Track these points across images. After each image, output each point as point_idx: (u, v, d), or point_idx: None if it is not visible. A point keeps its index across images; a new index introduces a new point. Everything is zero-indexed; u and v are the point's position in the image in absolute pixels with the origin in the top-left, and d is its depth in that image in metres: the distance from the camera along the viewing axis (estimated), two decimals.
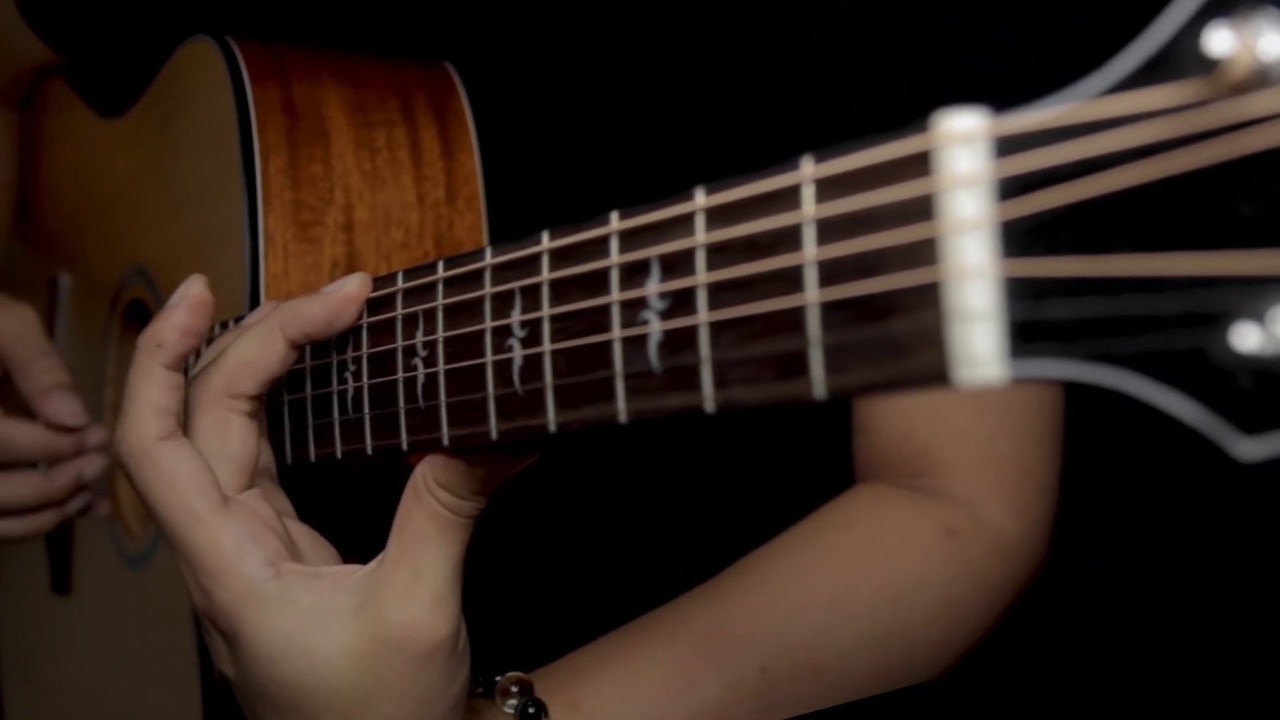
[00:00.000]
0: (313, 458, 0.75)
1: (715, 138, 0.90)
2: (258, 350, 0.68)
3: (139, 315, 1.06)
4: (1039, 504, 0.88)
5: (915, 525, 0.85)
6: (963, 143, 0.39)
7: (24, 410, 1.06)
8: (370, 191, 0.89)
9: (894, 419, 0.88)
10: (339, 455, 0.72)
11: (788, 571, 0.83)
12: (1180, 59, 0.35)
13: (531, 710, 0.72)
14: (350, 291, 0.67)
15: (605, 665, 0.78)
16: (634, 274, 0.51)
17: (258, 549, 0.64)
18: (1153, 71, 0.36)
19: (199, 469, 0.66)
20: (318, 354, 0.74)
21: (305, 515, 0.73)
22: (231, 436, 0.68)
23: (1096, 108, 0.37)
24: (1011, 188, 0.38)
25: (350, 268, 0.88)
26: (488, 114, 0.94)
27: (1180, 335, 0.35)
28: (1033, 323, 0.38)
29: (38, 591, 1.21)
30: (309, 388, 0.75)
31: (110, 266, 1.08)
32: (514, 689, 0.73)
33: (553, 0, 0.94)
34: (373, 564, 0.65)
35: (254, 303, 0.85)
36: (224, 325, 0.86)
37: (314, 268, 0.87)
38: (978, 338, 0.39)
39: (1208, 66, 0.34)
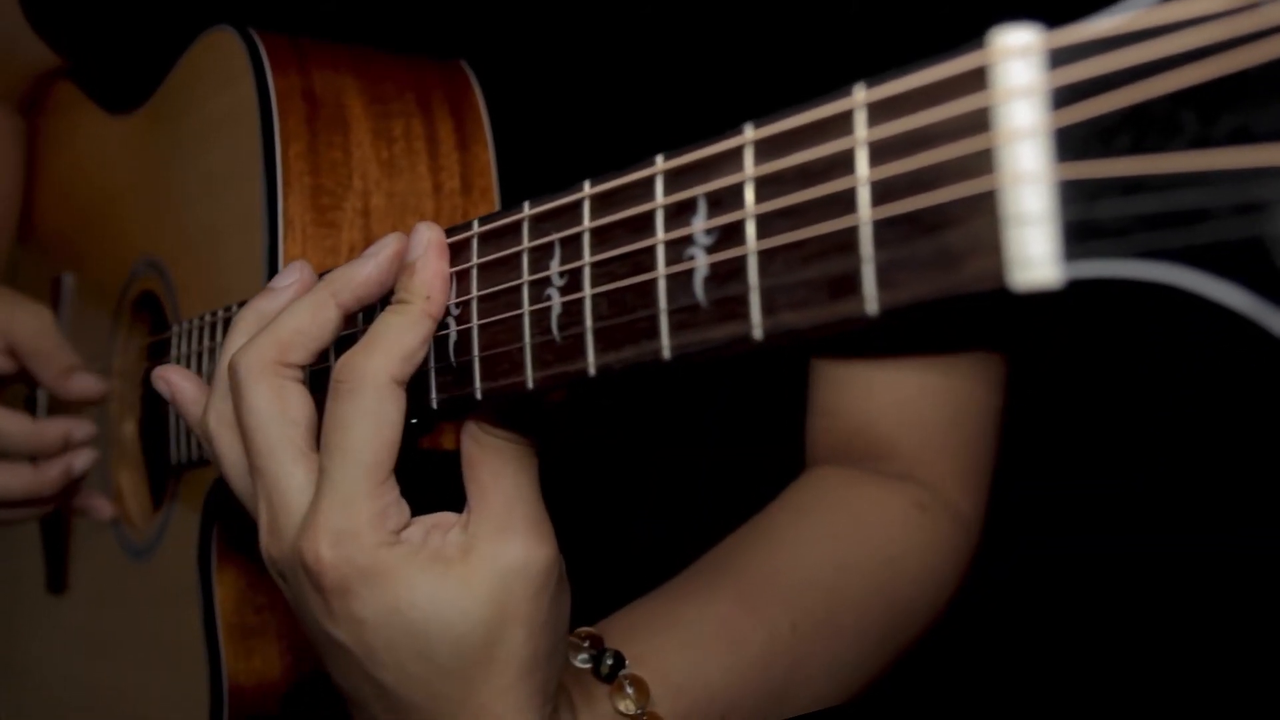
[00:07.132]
0: None
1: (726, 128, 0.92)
2: (309, 319, 0.66)
3: (149, 307, 1.07)
4: (985, 488, 0.94)
5: (890, 501, 0.90)
6: (1018, 56, 0.41)
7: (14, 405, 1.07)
8: (387, 179, 0.90)
9: (856, 407, 0.93)
10: (435, 406, 0.71)
11: (789, 541, 0.86)
12: None
13: (610, 661, 0.73)
14: (395, 249, 0.66)
15: (654, 622, 0.79)
16: (680, 213, 0.52)
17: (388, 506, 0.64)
18: None
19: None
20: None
21: None
22: (291, 403, 0.66)
23: (1148, 17, 0.39)
24: (1066, 96, 0.40)
25: None
26: (502, 111, 0.96)
27: (1231, 225, 0.37)
28: (1086, 223, 0.40)
29: (33, 592, 1.20)
30: None
31: (119, 260, 1.09)
32: (584, 644, 0.74)
33: None
34: (464, 514, 0.65)
35: None
36: (228, 310, 0.87)
37: (331, 251, 0.88)
38: (1033, 240, 0.40)
39: None
